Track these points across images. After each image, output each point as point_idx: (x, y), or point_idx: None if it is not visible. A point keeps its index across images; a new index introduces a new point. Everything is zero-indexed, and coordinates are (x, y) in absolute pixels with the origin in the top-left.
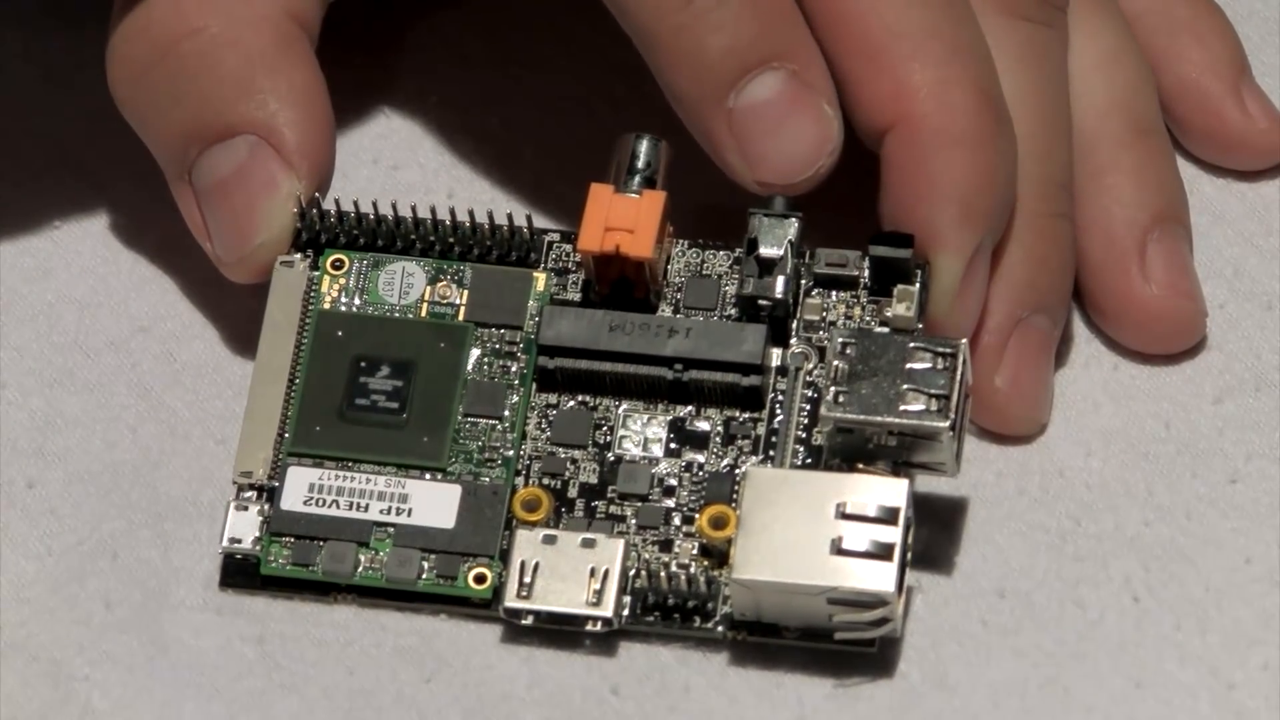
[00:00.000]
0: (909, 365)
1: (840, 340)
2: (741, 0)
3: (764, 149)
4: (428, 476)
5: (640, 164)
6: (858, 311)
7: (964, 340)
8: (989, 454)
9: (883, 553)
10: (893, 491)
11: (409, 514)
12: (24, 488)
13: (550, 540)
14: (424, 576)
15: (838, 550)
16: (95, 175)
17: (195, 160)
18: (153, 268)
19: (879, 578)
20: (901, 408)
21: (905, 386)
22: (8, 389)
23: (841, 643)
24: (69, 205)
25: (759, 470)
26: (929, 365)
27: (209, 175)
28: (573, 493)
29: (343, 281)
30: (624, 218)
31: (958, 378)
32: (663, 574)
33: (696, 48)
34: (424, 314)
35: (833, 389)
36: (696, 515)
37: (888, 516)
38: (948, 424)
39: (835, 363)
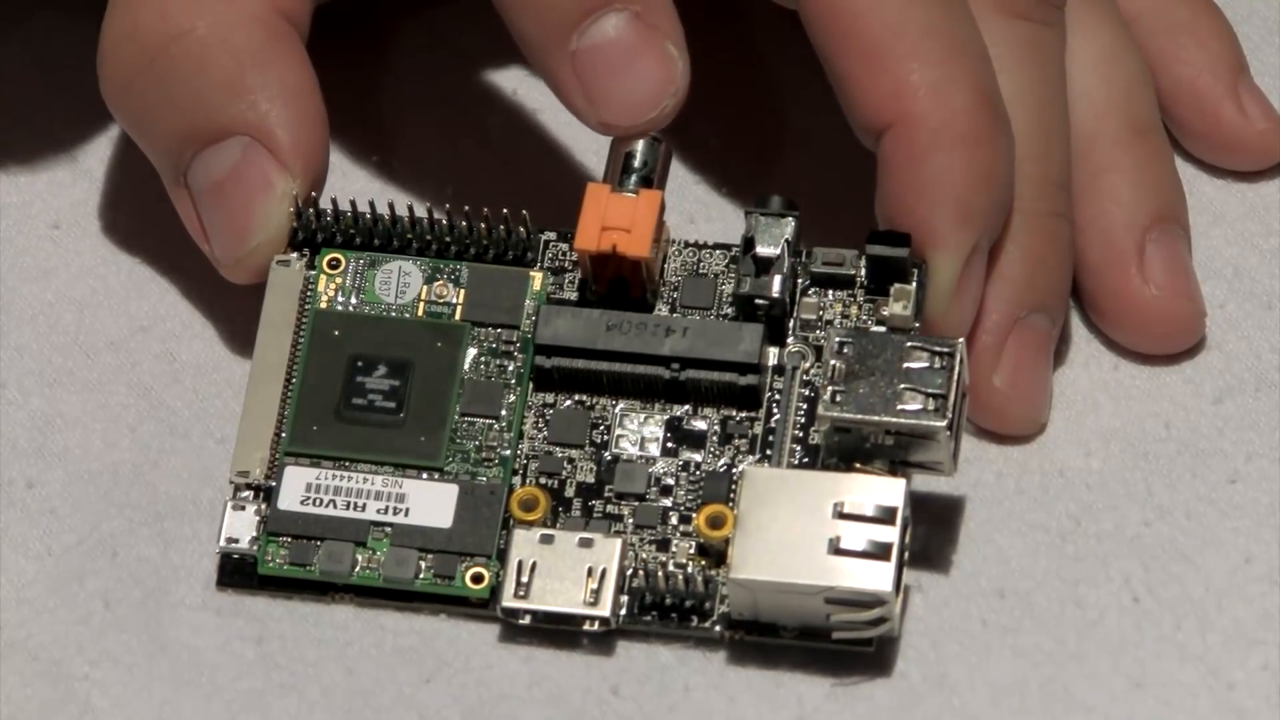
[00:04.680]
0: (906, 365)
1: (837, 340)
2: None
3: (607, 90)
4: (425, 476)
5: (637, 163)
6: (854, 310)
7: (961, 340)
8: (989, 454)
9: (880, 552)
10: (890, 491)
11: (406, 513)
12: (24, 488)
13: (548, 540)
14: (421, 576)
15: (835, 550)
16: (95, 175)
17: (190, 163)
18: (153, 268)
19: (876, 577)
20: (898, 407)
21: (902, 386)
22: (8, 389)
23: (839, 642)
24: (69, 205)
25: (756, 470)
26: (926, 365)
27: (204, 177)
28: (569, 492)
29: (339, 281)
30: (621, 217)
31: (954, 377)
32: (660, 574)
33: None
34: (421, 313)
35: (830, 389)
36: (694, 515)
37: (885, 516)
38: (944, 424)
39: (832, 362)
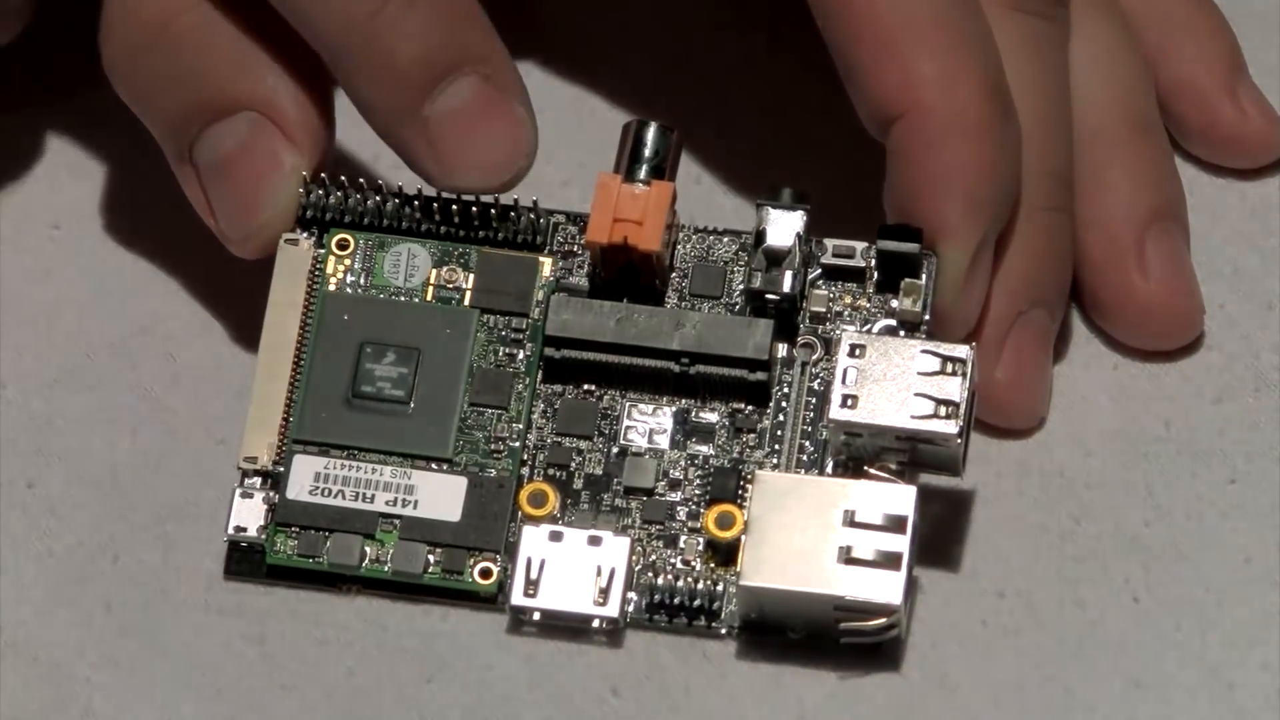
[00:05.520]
0: (917, 370)
1: (849, 343)
2: (429, 6)
3: (463, 154)
4: (434, 467)
5: (648, 152)
6: (864, 303)
7: (972, 345)
8: (989, 454)
9: (890, 562)
10: (901, 499)
11: (415, 506)
12: (24, 488)
13: (556, 537)
14: (430, 571)
15: (846, 559)
16: (95, 175)
17: (196, 138)
18: (153, 268)
19: (887, 589)
20: (909, 413)
21: (913, 391)
22: (8, 389)
23: (848, 643)
24: (69, 205)
25: (768, 475)
26: (937, 369)
27: (211, 152)
28: (578, 484)
29: (348, 262)
30: (632, 209)
31: (966, 383)
32: (669, 574)
33: (387, 57)
34: (430, 298)
35: (841, 392)
36: (702, 511)
37: (895, 525)
38: (956, 430)
39: (843, 366)
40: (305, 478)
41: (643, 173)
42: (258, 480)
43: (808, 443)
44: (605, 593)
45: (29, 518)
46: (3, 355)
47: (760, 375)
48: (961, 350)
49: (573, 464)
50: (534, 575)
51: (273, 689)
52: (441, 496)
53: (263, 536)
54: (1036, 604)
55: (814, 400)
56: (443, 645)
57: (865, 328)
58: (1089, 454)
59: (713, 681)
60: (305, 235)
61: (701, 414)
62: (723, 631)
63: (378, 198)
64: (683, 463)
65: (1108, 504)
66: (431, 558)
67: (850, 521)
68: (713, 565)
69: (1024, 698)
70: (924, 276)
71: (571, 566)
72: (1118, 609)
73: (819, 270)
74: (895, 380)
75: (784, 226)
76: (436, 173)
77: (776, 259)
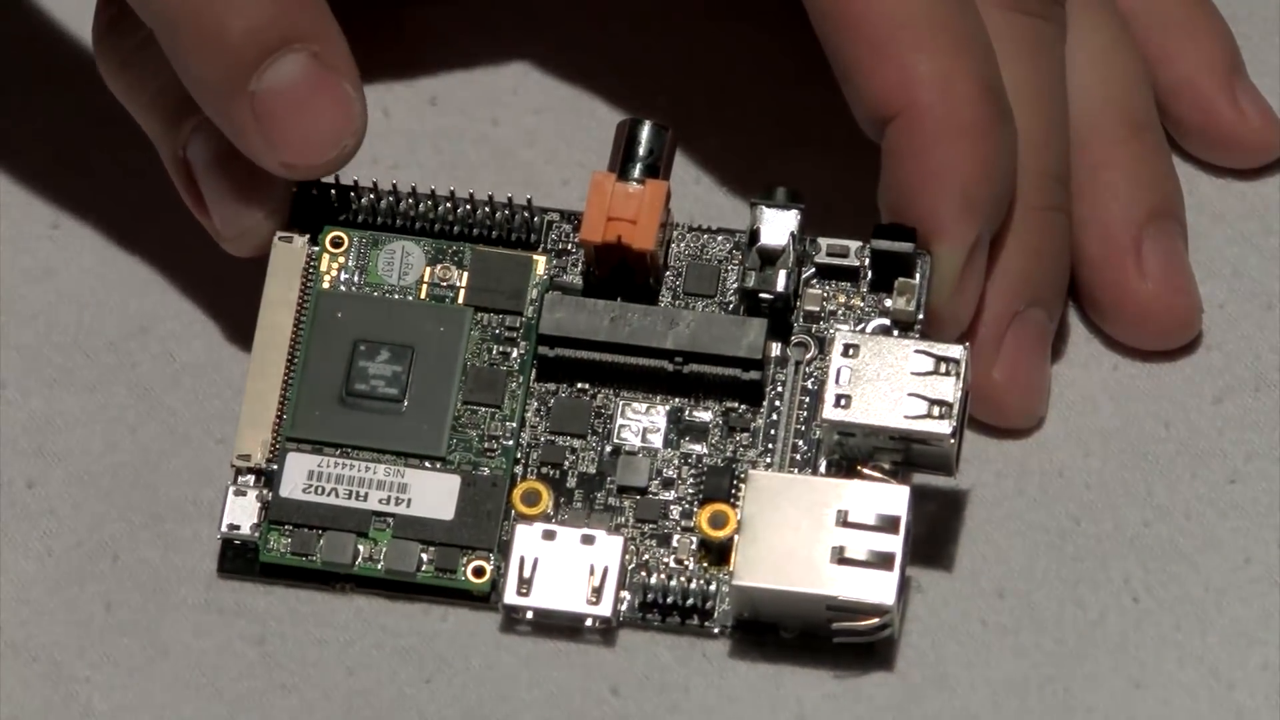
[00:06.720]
0: (911, 369)
1: (843, 343)
2: None
3: (288, 132)
4: (427, 465)
5: (642, 151)
6: (858, 302)
7: (965, 345)
8: (988, 453)
9: (883, 562)
10: (894, 499)
11: (408, 504)
12: (24, 488)
13: (550, 536)
14: (423, 569)
15: (839, 559)
16: (95, 175)
17: (190, 136)
18: (153, 268)
19: (880, 589)
20: (903, 412)
21: (907, 391)
22: (8, 389)
23: (840, 643)
24: (69, 205)
25: (761, 474)
26: (930, 369)
27: (205, 151)
28: (571, 483)
29: (342, 260)
30: (626, 208)
31: (959, 383)
32: (662, 573)
33: (216, 31)
34: (423, 295)
35: (834, 392)
36: (695, 510)
37: (889, 525)
38: (949, 430)
39: (837, 365)
40: (299, 476)
41: (637, 171)
42: (251, 478)
43: (801, 442)
44: (598, 592)
45: (29, 518)
46: (3, 355)
47: (754, 374)
48: (955, 350)
49: (566, 463)
50: (527, 574)
51: (272, 689)
52: (435, 495)
53: (256, 534)
54: (1035, 604)
55: (807, 400)
56: (442, 645)
57: (859, 327)
58: (1088, 454)
59: (712, 681)
60: (299, 233)
61: (695, 413)
62: (715, 631)
63: (372, 195)
64: (676, 462)
65: (1107, 504)
66: (425, 556)
67: (843, 521)
68: (706, 564)
69: (1023, 698)
70: (918, 276)
71: (565, 565)
72: (1117, 609)
73: (813, 269)
74: (889, 380)
75: (778, 225)
76: (263, 149)
77: (770, 258)
